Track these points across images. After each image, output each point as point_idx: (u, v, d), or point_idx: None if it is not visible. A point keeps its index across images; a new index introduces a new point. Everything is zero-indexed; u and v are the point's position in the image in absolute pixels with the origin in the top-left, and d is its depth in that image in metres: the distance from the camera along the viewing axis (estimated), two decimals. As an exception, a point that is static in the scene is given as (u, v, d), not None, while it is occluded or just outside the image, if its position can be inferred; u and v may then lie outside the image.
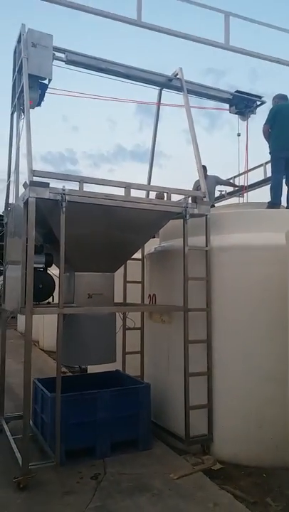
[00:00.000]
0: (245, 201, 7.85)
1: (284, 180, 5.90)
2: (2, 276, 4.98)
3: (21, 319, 4.91)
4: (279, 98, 6.13)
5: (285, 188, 5.89)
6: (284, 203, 5.95)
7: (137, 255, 5.31)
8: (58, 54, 4.47)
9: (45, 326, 10.38)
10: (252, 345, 4.21)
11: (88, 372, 6.31)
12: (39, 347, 10.92)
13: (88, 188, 3.92)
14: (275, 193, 5.77)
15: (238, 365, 4.23)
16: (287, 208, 5.81)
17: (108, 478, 3.67)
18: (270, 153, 6.04)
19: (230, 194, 8.76)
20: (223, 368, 4.31)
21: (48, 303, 4.22)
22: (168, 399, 4.69)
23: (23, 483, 3.43)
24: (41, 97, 4.44)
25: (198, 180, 7.31)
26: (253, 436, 4.13)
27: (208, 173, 7.69)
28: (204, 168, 5.17)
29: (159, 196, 7.01)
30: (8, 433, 4.40)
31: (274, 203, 5.71)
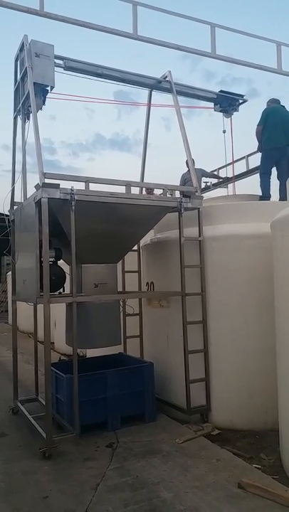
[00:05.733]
0: (229, 192, 8.34)
1: (276, 175, 6.50)
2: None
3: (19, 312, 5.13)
4: (271, 102, 6.72)
5: (277, 182, 6.48)
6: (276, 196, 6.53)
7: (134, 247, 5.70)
8: (56, 61, 4.76)
9: (40, 319, 10.59)
10: (241, 324, 4.68)
11: (91, 356, 6.71)
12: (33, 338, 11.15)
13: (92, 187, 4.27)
14: (265, 189, 6.38)
15: (230, 342, 4.72)
16: (280, 200, 6.31)
17: (122, 446, 4.13)
18: (260, 151, 6.58)
19: (215, 185, 9.26)
20: (217, 345, 4.79)
21: (59, 293, 4.59)
22: (168, 375, 5.14)
23: (48, 452, 3.85)
24: (43, 102, 4.74)
25: (185, 173, 7.78)
26: (246, 405, 4.64)
27: (194, 167, 8.10)
28: (192, 162, 5.56)
29: (149, 191, 7.44)
30: (26, 413, 4.80)
31: (265, 197, 6.31)
